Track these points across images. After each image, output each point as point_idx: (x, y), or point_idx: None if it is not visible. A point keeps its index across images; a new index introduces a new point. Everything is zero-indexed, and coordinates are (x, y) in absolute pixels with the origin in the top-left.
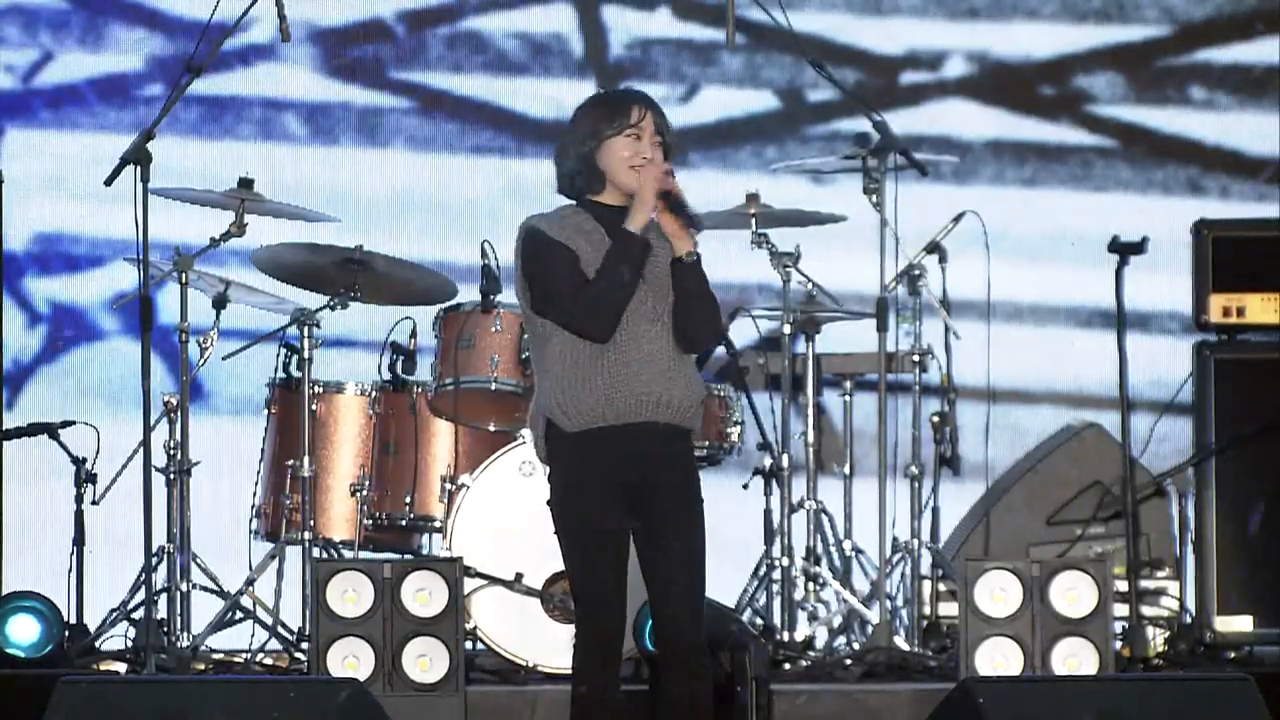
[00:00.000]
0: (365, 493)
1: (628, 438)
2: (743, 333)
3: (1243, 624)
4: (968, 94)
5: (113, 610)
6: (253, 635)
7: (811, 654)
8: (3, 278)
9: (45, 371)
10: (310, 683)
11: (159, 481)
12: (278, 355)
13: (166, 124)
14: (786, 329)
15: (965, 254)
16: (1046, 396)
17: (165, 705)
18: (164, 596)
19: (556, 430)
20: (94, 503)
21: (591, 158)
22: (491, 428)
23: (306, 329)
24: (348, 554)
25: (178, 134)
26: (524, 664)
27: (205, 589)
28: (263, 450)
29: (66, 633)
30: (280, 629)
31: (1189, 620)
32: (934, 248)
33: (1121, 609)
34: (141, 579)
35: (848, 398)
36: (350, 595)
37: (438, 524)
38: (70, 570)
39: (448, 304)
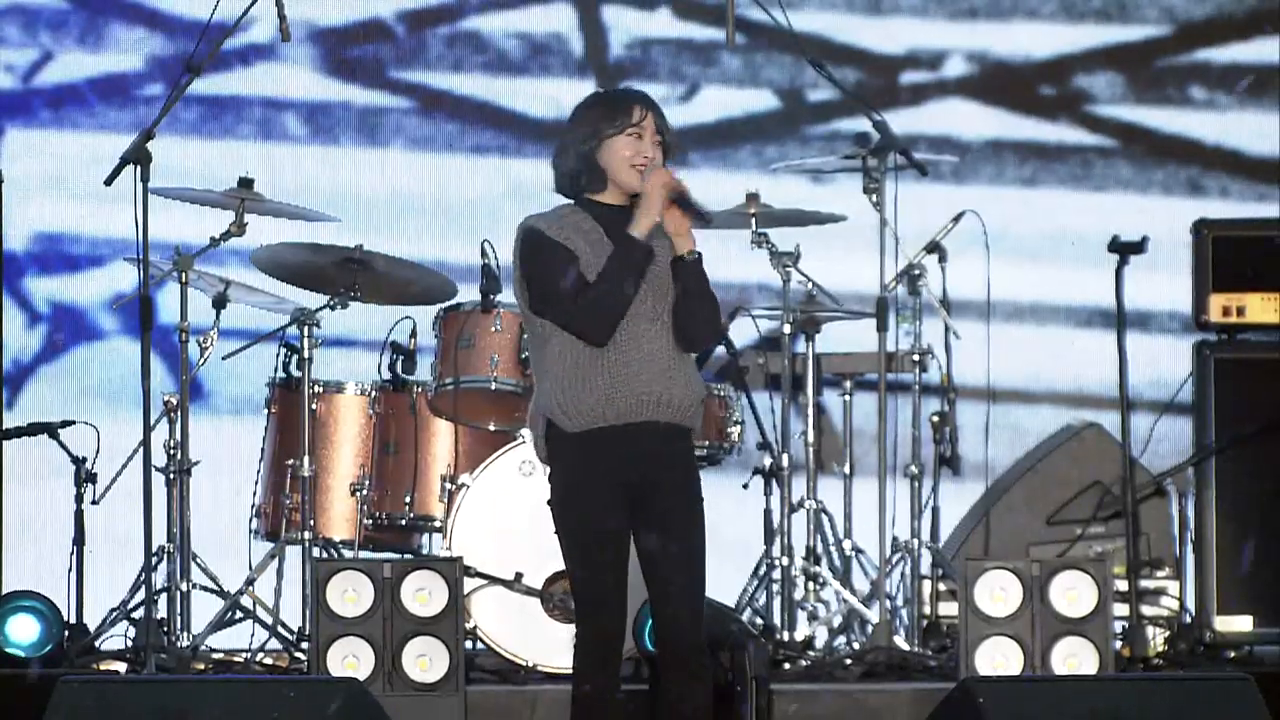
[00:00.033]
0: (365, 492)
1: (628, 437)
2: (743, 332)
3: (1243, 624)
4: (968, 94)
5: (113, 610)
6: (252, 635)
7: (811, 654)
8: (3, 278)
9: (45, 371)
10: (310, 683)
11: (159, 481)
12: (278, 355)
13: (166, 124)
14: (786, 329)
15: (965, 254)
16: (1046, 396)
17: (165, 705)
18: (164, 596)
19: (557, 430)
20: (94, 502)
21: (593, 156)
22: (491, 427)
23: (306, 329)
24: (348, 554)
25: (178, 134)
26: (524, 664)
27: (205, 589)
28: (263, 450)
29: (66, 632)
30: (280, 629)
31: (1189, 620)
32: (934, 247)
33: (1121, 609)
34: (141, 579)
35: (848, 397)
36: (350, 595)
37: (438, 524)
38: (70, 570)
39: (448, 304)
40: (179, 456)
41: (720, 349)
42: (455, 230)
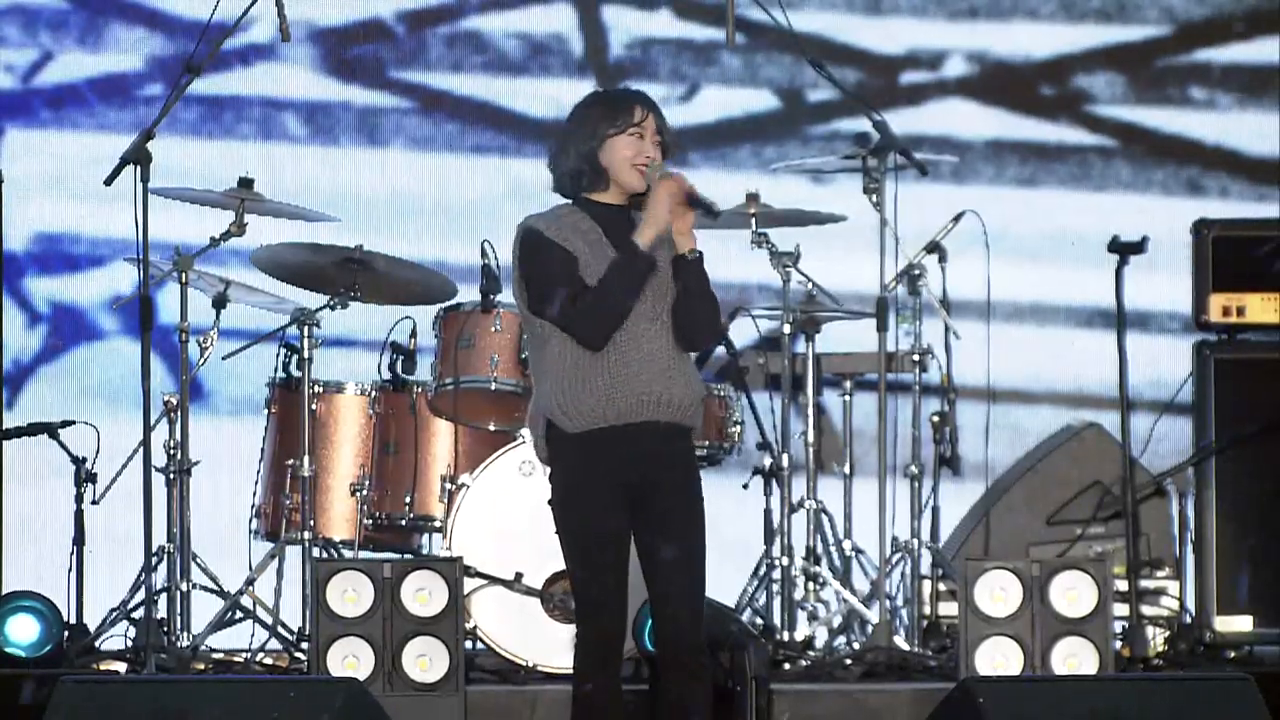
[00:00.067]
0: (365, 492)
1: (629, 437)
2: (743, 332)
3: (1243, 624)
4: (967, 94)
5: (113, 610)
6: (253, 635)
7: (811, 654)
8: (3, 278)
9: (45, 371)
10: (310, 683)
11: (159, 481)
12: (278, 355)
13: (166, 124)
14: (786, 329)
15: (965, 254)
16: (1046, 396)
17: (165, 705)
18: (164, 596)
19: (557, 431)
20: (94, 502)
21: (594, 156)
22: (491, 427)
23: (306, 329)
24: (348, 554)
25: (177, 134)
26: (524, 664)
27: (205, 589)
28: (263, 450)
29: (66, 633)
30: (280, 629)
31: (1189, 620)
32: (934, 247)
33: (1121, 609)
34: (141, 579)
35: (848, 397)
36: (350, 595)
37: (438, 524)
38: (70, 570)
39: (448, 304)
40: (179, 456)
41: (720, 349)
42: (455, 230)
